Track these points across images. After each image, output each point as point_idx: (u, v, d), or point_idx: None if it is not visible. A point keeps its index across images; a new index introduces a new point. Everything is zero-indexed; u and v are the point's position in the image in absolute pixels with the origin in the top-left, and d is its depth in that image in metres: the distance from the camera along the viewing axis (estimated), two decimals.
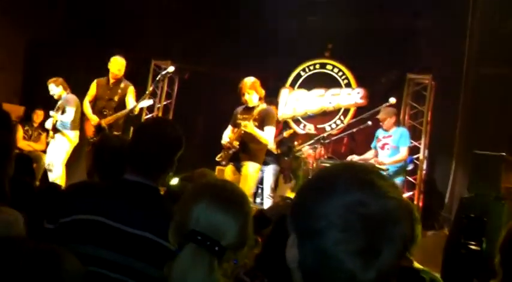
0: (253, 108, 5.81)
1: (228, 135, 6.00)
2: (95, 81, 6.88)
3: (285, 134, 6.86)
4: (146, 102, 6.79)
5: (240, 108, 6.02)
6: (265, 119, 5.75)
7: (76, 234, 1.85)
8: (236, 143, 5.84)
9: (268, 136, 5.74)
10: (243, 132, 5.75)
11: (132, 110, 6.49)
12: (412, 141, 7.42)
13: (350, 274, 0.96)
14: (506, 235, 1.99)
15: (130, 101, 6.62)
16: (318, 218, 0.98)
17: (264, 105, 5.84)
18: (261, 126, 5.72)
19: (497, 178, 4.96)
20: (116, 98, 6.66)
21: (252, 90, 5.76)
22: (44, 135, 7.75)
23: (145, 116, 8.85)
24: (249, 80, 5.82)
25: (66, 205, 1.93)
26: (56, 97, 7.31)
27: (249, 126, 5.66)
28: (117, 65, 6.70)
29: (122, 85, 6.71)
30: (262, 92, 5.85)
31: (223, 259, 1.47)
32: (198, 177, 3.56)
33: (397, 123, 6.89)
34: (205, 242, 1.43)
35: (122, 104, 6.64)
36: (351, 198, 0.98)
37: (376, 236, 0.97)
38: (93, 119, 6.64)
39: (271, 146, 5.95)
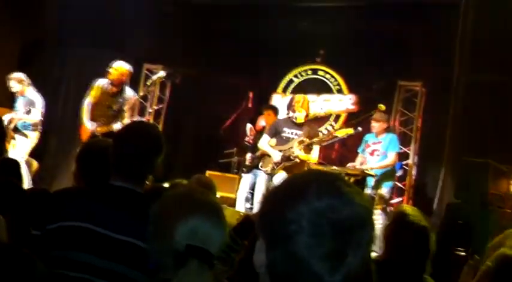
0: (300, 124, 6.25)
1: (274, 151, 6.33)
2: (101, 84, 6.43)
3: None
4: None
5: (283, 121, 6.43)
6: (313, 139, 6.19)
7: (62, 240, 1.86)
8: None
9: (315, 156, 6.27)
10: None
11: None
12: (402, 147, 7.45)
13: (318, 278, 1.00)
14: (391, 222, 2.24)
15: (128, 114, 6.37)
16: (288, 223, 1.01)
17: (310, 124, 6.41)
18: (310, 145, 6.17)
19: (484, 185, 5.01)
20: (115, 107, 6.34)
21: (302, 109, 6.19)
22: (29, 133, 7.59)
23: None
24: (302, 98, 6.32)
25: (52, 211, 1.94)
26: (18, 94, 7.06)
27: (302, 156, 6.14)
28: (115, 72, 6.34)
29: (125, 95, 6.38)
30: (310, 110, 6.42)
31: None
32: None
33: (388, 129, 6.93)
34: (206, 256, 1.44)
35: (120, 114, 6.34)
36: (321, 204, 1.01)
37: (343, 241, 1.00)
38: (86, 128, 6.36)
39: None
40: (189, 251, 1.43)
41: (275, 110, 7.49)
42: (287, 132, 6.27)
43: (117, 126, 6.14)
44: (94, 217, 1.87)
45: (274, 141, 6.44)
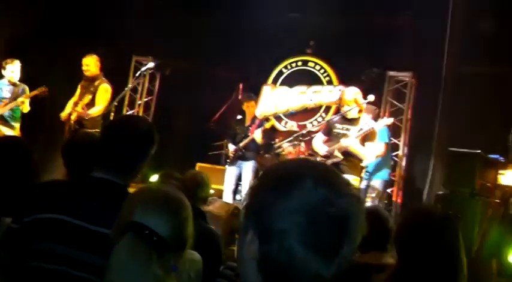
0: (352, 120, 5.69)
1: (321, 146, 5.76)
2: (81, 82, 6.80)
3: (266, 125, 6.85)
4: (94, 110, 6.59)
5: (336, 118, 5.86)
6: (368, 135, 5.59)
7: (38, 233, 1.84)
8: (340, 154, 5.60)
9: (368, 152, 5.59)
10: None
11: (86, 113, 6.44)
12: (392, 138, 7.47)
13: (313, 270, 0.97)
14: (399, 226, 2.04)
15: (100, 100, 6.52)
16: (283, 217, 0.98)
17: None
18: (362, 141, 5.57)
19: (472, 175, 5.01)
20: (86, 97, 6.56)
21: (352, 103, 5.64)
22: (17, 125, 7.47)
23: (126, 113, 8.80)
24: (351, 92, 5.70)
25: (28, 205, 1.92)
26: (12, 81, 6.91)
27: (352, 145, 5.52)
28: (84, 62, 6.62)
29: (96, 83, 6.59)
30: (363, 106, 5.74)
31: (164, 255, 1.47)
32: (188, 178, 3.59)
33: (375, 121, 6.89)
34: (143, 231, 1.45)
35: (92, 103, 6.54)
36: (316, 197, 0.98)
37: (339, 233, 0.98)
38: (62, 115, 6.66)
39: (370, 161, 5.75)
40: (127, 226, 1.48)
41: (256, 101, 7.29)
42: (338, 127, 5.75)
43: (92, 110, 6.44)
44: (70, 209, 1.85)
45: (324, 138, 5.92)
